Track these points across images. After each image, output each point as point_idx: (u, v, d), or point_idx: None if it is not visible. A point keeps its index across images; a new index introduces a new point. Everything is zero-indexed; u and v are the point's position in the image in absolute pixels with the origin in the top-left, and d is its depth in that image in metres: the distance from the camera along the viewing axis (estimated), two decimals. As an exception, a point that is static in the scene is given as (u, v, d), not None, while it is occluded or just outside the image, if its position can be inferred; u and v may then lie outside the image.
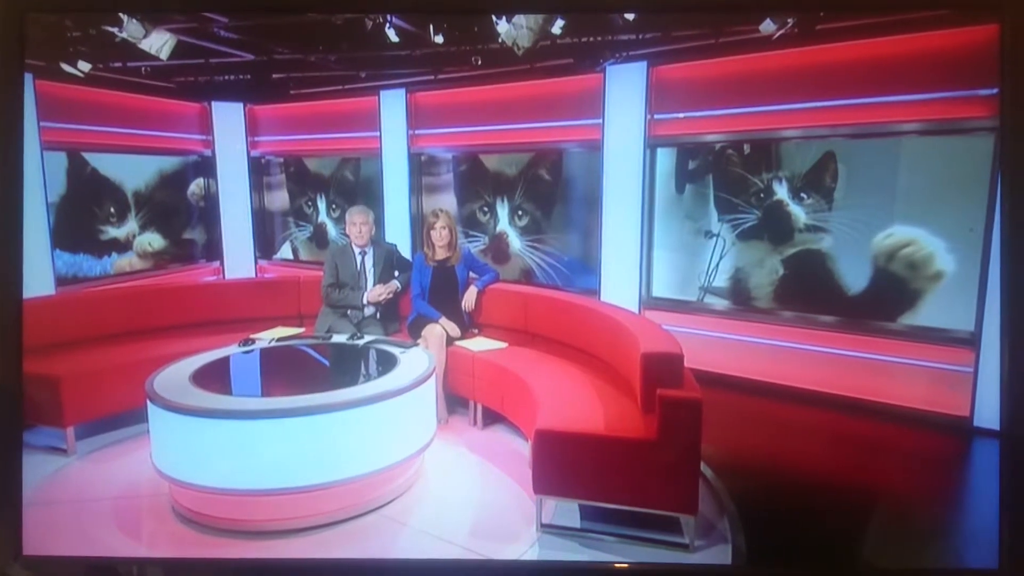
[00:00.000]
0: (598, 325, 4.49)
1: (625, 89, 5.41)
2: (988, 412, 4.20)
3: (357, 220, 5.16)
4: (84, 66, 5.44)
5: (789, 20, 4.62)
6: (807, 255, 4.98)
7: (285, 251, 7.13)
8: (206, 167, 6.74)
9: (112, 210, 6.11)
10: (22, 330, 3.13)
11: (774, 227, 5.09)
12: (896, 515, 3.61)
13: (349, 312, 5.17)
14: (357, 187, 6.74)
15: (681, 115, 5.33)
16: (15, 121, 3.13)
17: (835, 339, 4.85)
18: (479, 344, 4.91)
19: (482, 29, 5.20)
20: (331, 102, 6.62)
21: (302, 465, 3.47)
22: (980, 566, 3.17)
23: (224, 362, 4.31)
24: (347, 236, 5.25)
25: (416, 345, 4.63)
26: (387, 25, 5.14)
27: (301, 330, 5.21)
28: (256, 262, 6.96)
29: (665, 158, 5.52)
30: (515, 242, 6.16)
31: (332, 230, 6.83)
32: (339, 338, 4.86)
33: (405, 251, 5.64)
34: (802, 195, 4.97)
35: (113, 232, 6.12)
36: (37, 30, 3.24)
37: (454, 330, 4.93)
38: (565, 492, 3.49)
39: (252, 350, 4.58)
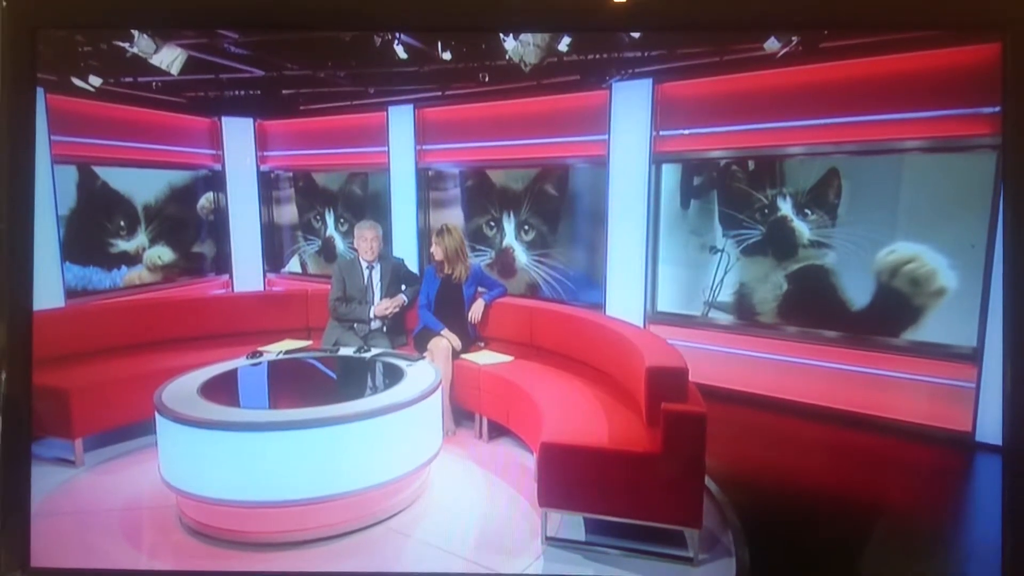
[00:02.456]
0: (603, 339, 4.51)
1: (631, 106, 5.43)
2: (990, 427, 4.19)
3: (367, 235, 5.21)
4: (95, 81, 5.47)
5: (793, 38, 4.65)
6: (811, 271, 4.98)
7: (293, 265, 7.14)
8: (216, 181, 6.76)
9: (122, 223, 6.13)
10: (32, 342, 3.16)
11: (778, 243, 5.10)
12: (899, 529, 3.61)
13: (356, 325, 5.19)
14: (365, 201, 6.76)
15: (686, 132, 5.35)
16: (27, 135, 3.15)
17: (838, 354, 4.84)
18: (485, 357, 4.93)
19: (489, 46, 5.23)
20: (340, 117, 6.64)
21: (309, 477, 3.50)
22: (983, 581, 3.19)
23: (232, 374, 4.35)
24: (355, 250, 5.29)
25: (422, 358, 4.66)
26: (395, 42, 5.19)
27: (309, 343, 5.24)
28: (265, 275, 6.98)
29: (670, 174, 5.53)
30: (521, 256, 6.17)
31: (340, 244, 6.85)
32: (346, 351, 4.88)
33: (412, 265, 5.66)
34: (806, 211, 4.98)
35: (123, 245, 6.14)
36: (48, 45, 3.29)
37: (456, 343, 4.96)
38: (570, 505, 3.51)
39: (260, 363, 4.61)
